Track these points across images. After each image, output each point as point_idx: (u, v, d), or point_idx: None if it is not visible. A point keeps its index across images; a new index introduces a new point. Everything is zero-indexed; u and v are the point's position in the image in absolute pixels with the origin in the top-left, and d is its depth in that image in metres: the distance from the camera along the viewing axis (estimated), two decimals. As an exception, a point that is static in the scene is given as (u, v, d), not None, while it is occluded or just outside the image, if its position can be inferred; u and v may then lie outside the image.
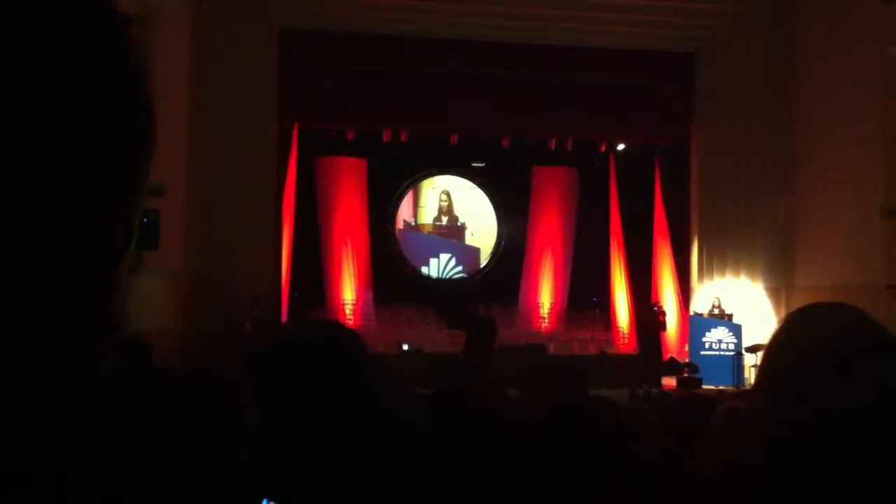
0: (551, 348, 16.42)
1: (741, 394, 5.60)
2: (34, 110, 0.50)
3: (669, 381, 14.54)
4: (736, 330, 15.18)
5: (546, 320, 18.81)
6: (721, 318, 15.50)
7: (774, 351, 1.32)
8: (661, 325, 16.42)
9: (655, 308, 16.57)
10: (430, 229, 19.59)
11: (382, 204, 18.76)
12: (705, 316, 15.69)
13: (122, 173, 0.56)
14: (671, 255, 17.53)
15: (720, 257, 16.19)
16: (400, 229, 19.34)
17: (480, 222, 19.63)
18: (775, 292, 15.52)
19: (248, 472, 1.16)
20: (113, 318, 0.56)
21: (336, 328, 1.39)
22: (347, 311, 17.59)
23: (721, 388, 13.35)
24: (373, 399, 1.24)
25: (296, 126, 16.18)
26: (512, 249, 19.37)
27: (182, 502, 1.16)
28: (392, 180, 18.89)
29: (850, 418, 1.18)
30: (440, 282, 19.26)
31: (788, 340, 1.30)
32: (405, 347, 15.58)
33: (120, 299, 0.57)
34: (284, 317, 15.56)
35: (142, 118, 0.57)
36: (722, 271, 16.18)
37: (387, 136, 17.41)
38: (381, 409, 1.23)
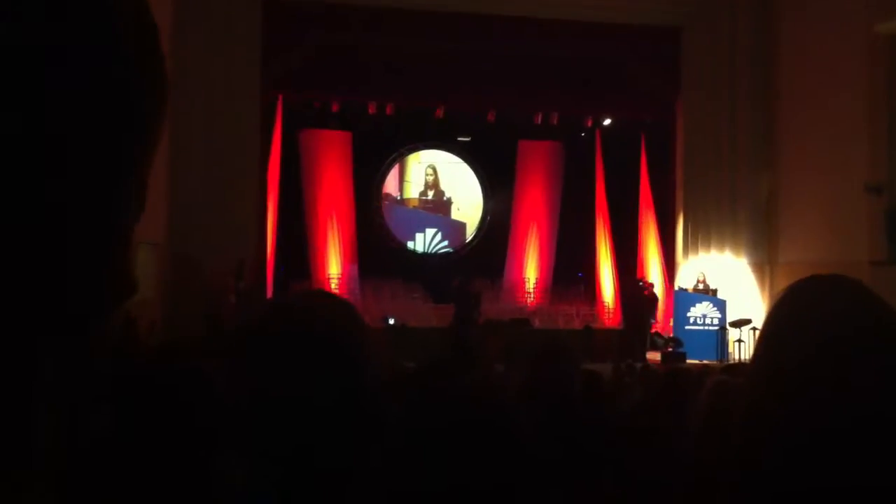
0: (536, 323, 16.48)
1: (730, 368, 5.62)
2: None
3: (654, 356, 14.61)
4: (720, 305, 15.26)
5: (531, 295, 18.84)
6: (706, 293, 15.56)
7: (774, 327, 1.29)
8: (648, 300, 16.45)
9: (641, 283, 16.61)
10: (415, 204, 19.54)
11: (368, 178, 18.69)
12: (690, 291, 15.75)
13: (138, 141, 0.56)
14: (656, 230, 17.56)
15: (705, 233, 16.22)
16: (385, 203, 19.29)
17: (466, 197, 19.60)
18: (759, 268, 15.61)
19: (238, 458, 1.14)
20: (127, 283, 0.57)
21: (326, 301, 1.34)
22: (333, 285, 17.54)
23: (705, 362, 13.43)
24: (360, 380, 1.20)
25: (280, 98, 16.04)
26: (497, 224, 19.36)
27: (169, 487, 1.14)
28: (377, 154, 18.79)
29: (854, 402, 1.17)
30: (426, 256, 19.25)
31: (788, 315, 1.28)
32: (391, 322, 15.57)
33: (130, 266, 0.57)
34: (269, 290, 15.52)
35: (157, 83, 0.56)
36: (707, 247, 16.22)
37: (372, 109, 17.30)
38: (368, 390, 1.19)
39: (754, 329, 14.55)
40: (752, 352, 1.45)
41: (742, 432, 1.26)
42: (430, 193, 19.58)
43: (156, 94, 0.57)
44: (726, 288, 15.54)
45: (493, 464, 1.23)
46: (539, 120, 17.93)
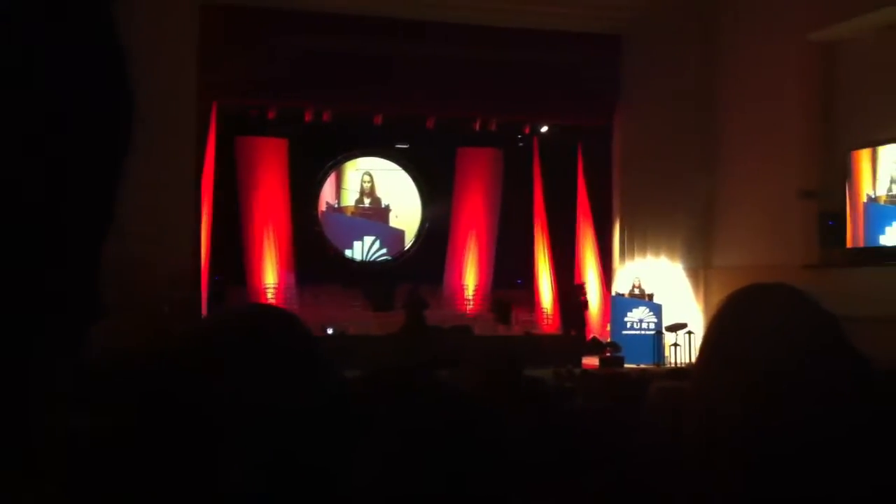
0: (477, 329, 16.51)
1: (672, 373, 5.70)
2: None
3: (592, 361, 14.74)
4: (656, 309, 15.47)
5: (471, 302, 18.87)
6: (642, 297, 15.77)
7: (717, 334, 1.32)
8: (584, 305, 16.63)
9: (580, 288, 16.77)
10: (353, 211, 19.44)
11: (304, 185, 18.52)
12: (626, 296, 15.95)
13: (112, 155, 0.58)
14: (594, 236, 17.76)
15: (641, 238, 16.45)
16: (323, 211, 19.14)
17: (404, 204, 19.55)
18: (694, 272, 15.86)
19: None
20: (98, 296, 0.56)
21: (271, 314, 1.31)
22: (269, 295, 17.34)
23: (643, 366, 13.59)
24: (318, 388, 1.17)
25: (215, 104, 15.81)
26: (436, 231, 19.35)
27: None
28: (314, 161, 18.64)
29: (798, 408, 1.19)
30: (364, 264, 19.15)
31: (731, 322, 1.31)
32: (330, 331, 15.43)
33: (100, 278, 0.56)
34: (204, 299, 15.27)
35: (127, 99, 0.59)
36: (643, 252, 16.45)
37: (308, 117, 17.16)
38: (329, 397, 1.17)
39: (690, 333, 14.78)
40: (696, 356, 1.47)
41: (691, 439, 1.27)
42: (368, 201, 19.49)
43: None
44: (662, 292, 15.76)
45: (459, 467, 1.22)
46: (478, 127, 17.99)
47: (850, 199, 12.79)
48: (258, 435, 1.10)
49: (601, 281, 17.54)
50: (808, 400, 1.18)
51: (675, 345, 14.90)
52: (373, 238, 19.35)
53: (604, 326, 16.64)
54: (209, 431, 1.10)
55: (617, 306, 15.88)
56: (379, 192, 19.47)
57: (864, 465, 1.16)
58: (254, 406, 1.11)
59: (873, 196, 12.53)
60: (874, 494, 1.16)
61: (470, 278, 19.13)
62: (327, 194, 19.20)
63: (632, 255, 16.62)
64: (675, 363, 14.49)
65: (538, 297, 18.61)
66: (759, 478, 1.18)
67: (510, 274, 19.06)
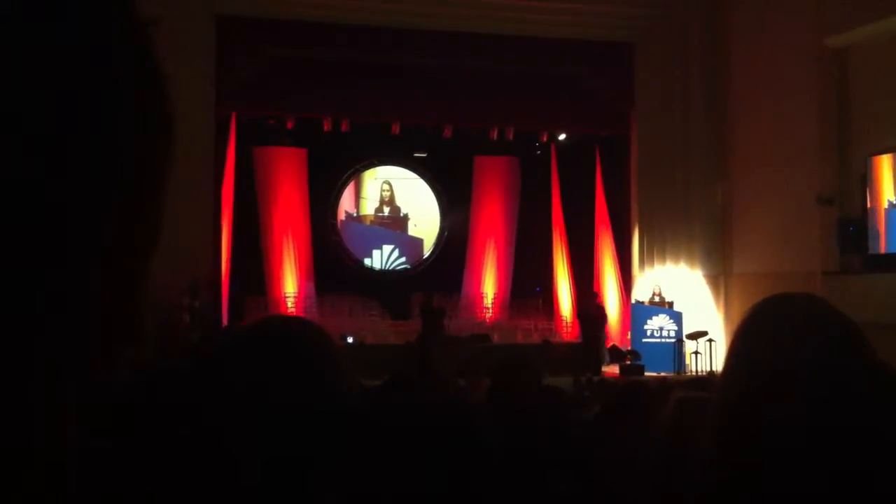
0: (495, 338, 16.50)
1: (693, 382, 5.66)
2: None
3: (612, 369, 14.67)
4: (677, 317, 15.39)
5: (489, 310, 18.85)
6: (662, 305, 15.70)
7: (743, 345, 1.32)
8: (600, 313, 16.52)
9: (595, 298, 16.69)
10: (372, 220, 19.48)
11: (323, 194, 18.59)
12: (646, 304, 15.87)
13: (146, 170, 0.56)
14: (612, 244, 17.69)
15: (660, 245, 16.38)
16: (342, 220, 19.20)
17: (423, 213, 19.58)
18: (714, 279, 15.77)
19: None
20: (133, 320, 0.55)
21: (300, 327, 1.32)
22: (289, 304, 17.40)
23: (663, 374, 13.53)
24: (334, 397, 1.19)
25: (234, 115, 15.91)
26: (455, 240, 19.36)
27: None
28: (333, 171, 18.72)
29: (823, 420, 1.20)
30: (383, 273, 19.18)
31: (758, 334, 1.31)
32: (349, 340, 15.45)
33: (141, 301, 0.56)
34: (224, 308, 15.34)
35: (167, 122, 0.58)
36: (662, 259, 16.37)
37: (327, 126, 17.23)
38: (340, 405, 1.18)
39: (711, 341, 14.70)
40: (718, 364, 1.47)
41: (714, 450, 1.28)
42: (387, 209, 19.54)
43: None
44: (682, 300, 15.68)
45: (460, 472, 1.23)
46: (495, 135, 18.00)
47: (871, 204, 12.69)
48: (279, 439, 1.12)
49: (620, 288, 17.47)
50: (833, 409, 1.19)
51: (696, 353, 14.81)
52: (392, 247, 19.38)
53: (623, 334, 16.57)
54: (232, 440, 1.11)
55: (637, 314, 15.81)
56: (398, 201, 19.52)
57: (891, 474, 1.17)
58: (276, 414, 1.13)
59: (894, 202, 12.42)
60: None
61: (488, 286, 19.12)
62: (346, 203, 19.26)
63: (651, 262, 16.55)
64: (696, 371, 14.42)
65: (557, 305, 18.57)
66: (785, 486, 1.19)
67: (529, 282, 19.03)
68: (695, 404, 2.70)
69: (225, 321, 15.21)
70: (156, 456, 1.23)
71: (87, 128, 0.52)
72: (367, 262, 19.20)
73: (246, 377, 1.17)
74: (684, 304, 15.60)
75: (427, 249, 19.59)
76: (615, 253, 17.65)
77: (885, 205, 12.55)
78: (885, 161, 12.51)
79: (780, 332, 1.28)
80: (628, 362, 14.88)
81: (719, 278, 15.70)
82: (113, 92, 0.53)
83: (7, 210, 0.48)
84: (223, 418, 1.12)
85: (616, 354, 15.48)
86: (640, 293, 16.41)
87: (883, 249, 12.51)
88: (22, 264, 0.49)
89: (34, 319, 0.49)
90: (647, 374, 13.80)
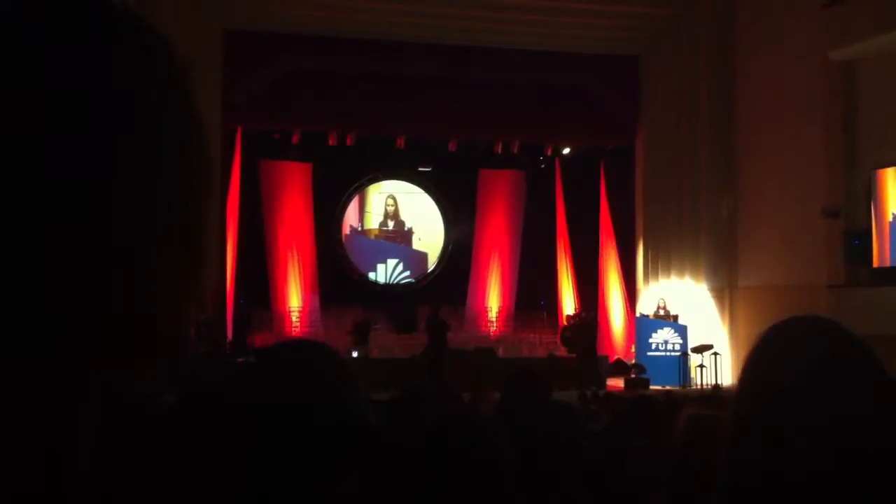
0: (500, 351, 16.47)
1: (702, 399, 5.67)
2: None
3: (617, 382, 14.65)
4: (681, 331, 15.36)
5: (494, 324, 18.84)
6: (666, 318, 15.68)
7: (756, 367, 1.33)
8: (589, 327, 16.32)
9: (582, 314, 16.60)
10: (376, 234, 19.49)
11: (328, 209, 18.61)
12: (651, 317, 15.86)
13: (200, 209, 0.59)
14: (617, 257, 17.69)
15: (665, 259, 16.37)
16: (346, 234, 19.21)
17: (427, 226, 19.59)
18: (719, 293, 15.75)
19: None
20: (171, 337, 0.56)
21: (318, 352, 1.34)
22: (294, 318, 17.41)
23: (668, 388, 13.49)
24: (331, 405, 1.20)
25: (239, 129, 15.96)
26: (459, 253, 19.36)
27: None
28: (338, 185, 18.73)
29: (840, 440, 1.21)
30: (388, 287, 19.17)
31: (770, 355, 1.33)
32: (354, 354, 15.43)
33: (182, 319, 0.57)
34: (230, 322, 15.35)
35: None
36: (667, 272, 16.36)
37: (332, 140, 17.27)
38: (339, 415, 1.19)
39: (716, 354, 14.67)
40: (729, 382, 1.48)
41: (728, 468, 1.29)
42: (391, 223, 19.55)
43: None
44: (687, 313, 15.65)
45: (472, 483, 1.24)
46: (500, 149, 18.03)
47: (876, 217, 12.69)
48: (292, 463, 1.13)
49: (625, 302, 17.45)
50: (847, 432, 1.20)
51: (701, 366, 14.78)
52: (396, 260, 19.39)
53: (628, 348, 16.54)
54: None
55: (641, 327, 15.79)
56: (402, 215, 19.53)
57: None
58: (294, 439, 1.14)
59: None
60: None
61: (493, 300, 19.10)
62: (351, 217, 19.28)
63: (656, 275, 16.54)
64: (702, 385, 14.39)
65: (561, 319, 18.54)
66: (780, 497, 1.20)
67: (533, 295, 19.00)
68: (706, 422, 2.71)
69: (230, 335, 15.23)
70: (174, 477, 1.24)
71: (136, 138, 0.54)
72: (371, 275, 19.21)
73: (269, 405, 1.18)
74: (689, 318, 15.57)
75: (431, 263, 19.59)
76: (620, 266, 17.64)
77: (891, 217, 12.55)
78: (890, 174, 12.52)
79: (794, 354, 1.29)
80: (633, 375, 14.85)
81: (724, 291, 15.68)
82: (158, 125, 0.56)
83: (46, 206, 0.49)
84: (243, 442, 1.13)
85: (621, 368, 15.45)
86: (645, 306, 16.40)
87: (889, 262, 12.50)
88: (57, 265, 0.50)
89: (55, 321, 0.50)
90: (652, 387, 13.78)
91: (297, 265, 17.82)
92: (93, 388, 0.53)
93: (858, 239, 12.84)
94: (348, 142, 17.31)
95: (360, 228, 19.41)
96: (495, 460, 1.39)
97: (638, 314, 16.45)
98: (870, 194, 12.76)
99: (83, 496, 0.51)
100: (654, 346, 15.37)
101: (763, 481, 1.23)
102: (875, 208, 12.69)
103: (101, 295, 0.52)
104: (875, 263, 12.66)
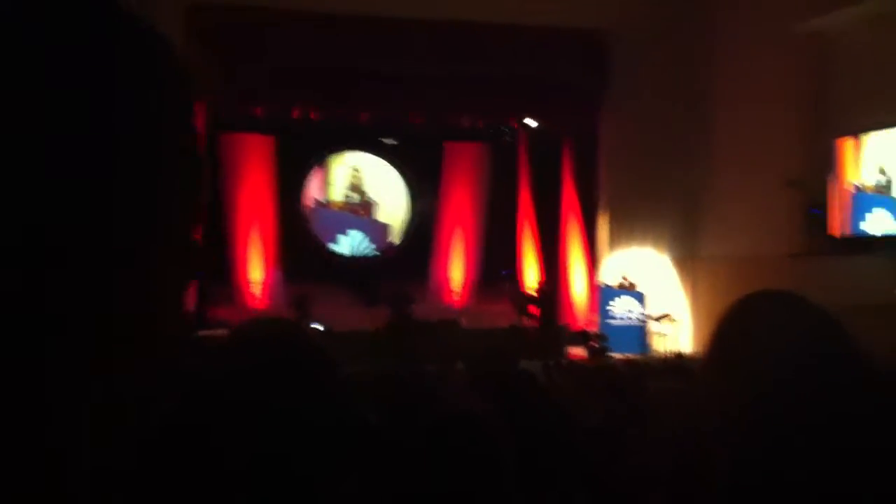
0: (464, 322, 16.52)
1: (666, 370, 5.74)
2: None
3: (580, 351, 14.79)
4: (642, 299, 15.55)
5: (458, 294, 18.89)
6: (628, 288, 15.84)
7: (724, 341, 1.33)
8: (546, 297, 16.53)
9: (540, 287, 16.80)
10: (340, 206, 19.39)
11: (291, 181, 18.47)
12: (614, 287, 16.01)
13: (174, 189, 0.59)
14: (581, 228, 17.79)
15: (628, 229, 16.50)
16: (310, 207, 19.09)
17: (392, 199, 19.54)
18: (681, 262, 15.93)
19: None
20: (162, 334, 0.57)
21: (290, 332, 1.33)
22: (256, 291, 17.31)
23: (629, 356, 13.66)
24: (331, 406, 1.20)
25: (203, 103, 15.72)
26: (423, 225, 19.35)
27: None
28: (302, 158, 18.59)
29: (808, 413, 1.22)
30: (351, 259, 19.12)
31: (738, 330, 1.33)
32: (318, 327, 15.38)
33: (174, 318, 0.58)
34: (191, 296, 15.21)
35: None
36: (630, 242, 16.50)
37: (296, 114, 17.11)
38: (338, 415, 1.19)
39: (674, 321, 14.91)
40: (692, 352, 1.49)
41: (699, 440, 1.30)
42: (355, 195, 19.46)
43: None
44: (649, 283, 15.84)
45: (471, 482, 1.25)
46: (465, 122, 17.99)
47: (835, 187, 12.86)
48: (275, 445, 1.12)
49: (588, 272, 17.59)
50: (815, 405, 1.21)
51: (661, 334, 14.98)
52: (360, 233, 19.33)
53: (591, 317, 16.70)
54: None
55: (603, 296, 15.95)
56: (366, 187, 19.45)
57: (874, 467, 1.19)
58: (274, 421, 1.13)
59: (859, 184, 12.60)
60: (881, 492, 1.19)
61: (457, 271, 19.15)
62: (314, 189, 19.16)
63: (618, 245, 16.67)
64: (662, 352, 14.59)
65: (524, 290, 18.64)
66: (767, 479, 1.21)
67: (497, 267, 19.08)
68: (678, 396, 2.75)
69: (190, 308, 15.11)
70: (174, 477, 1.23)
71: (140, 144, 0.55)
72: (334, 247, 19.14)
73: (269, 405, 1.17)
74: (651, 287, 15.76)
75: (395, 235, 19.57)
76: (584, 237, 17.76)
77: (850, 187, 12.73)
78: (848, 144, 12.68)
79: (761, 329, 1.29)
80: (595, 345, 15.00)
81: (686, 261, 15.86)
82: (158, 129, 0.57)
83: (49, 209, 0.48)
84: (228, 434, 1.12)
85: (582, 337, 15.60)
86: (607, 276, 16.54)
87: (848, 231, 12.69)
88: (50, 265, 0.49)
89: (54, 320, 0.49)
90: (614, 355, 13.94)
91: (258, 238, 17.71)
92: (93, 388, 0.52)
93: (817, 208, 13.01)
94: (312, 115, 17.17)
95: (323, 200, 19.30)
96: (494, 459, 1.40)
97: (601, 284, 16.60)
98: (829, 165, 12.93)
99: (83, 496, 0.51)
100: (615, 315, 15.55)
101: (763, 481, 1.23)
102: (834, 178, 12.86)
103: (101, 295, 0.51)
104: (833, 232, 12.84)
